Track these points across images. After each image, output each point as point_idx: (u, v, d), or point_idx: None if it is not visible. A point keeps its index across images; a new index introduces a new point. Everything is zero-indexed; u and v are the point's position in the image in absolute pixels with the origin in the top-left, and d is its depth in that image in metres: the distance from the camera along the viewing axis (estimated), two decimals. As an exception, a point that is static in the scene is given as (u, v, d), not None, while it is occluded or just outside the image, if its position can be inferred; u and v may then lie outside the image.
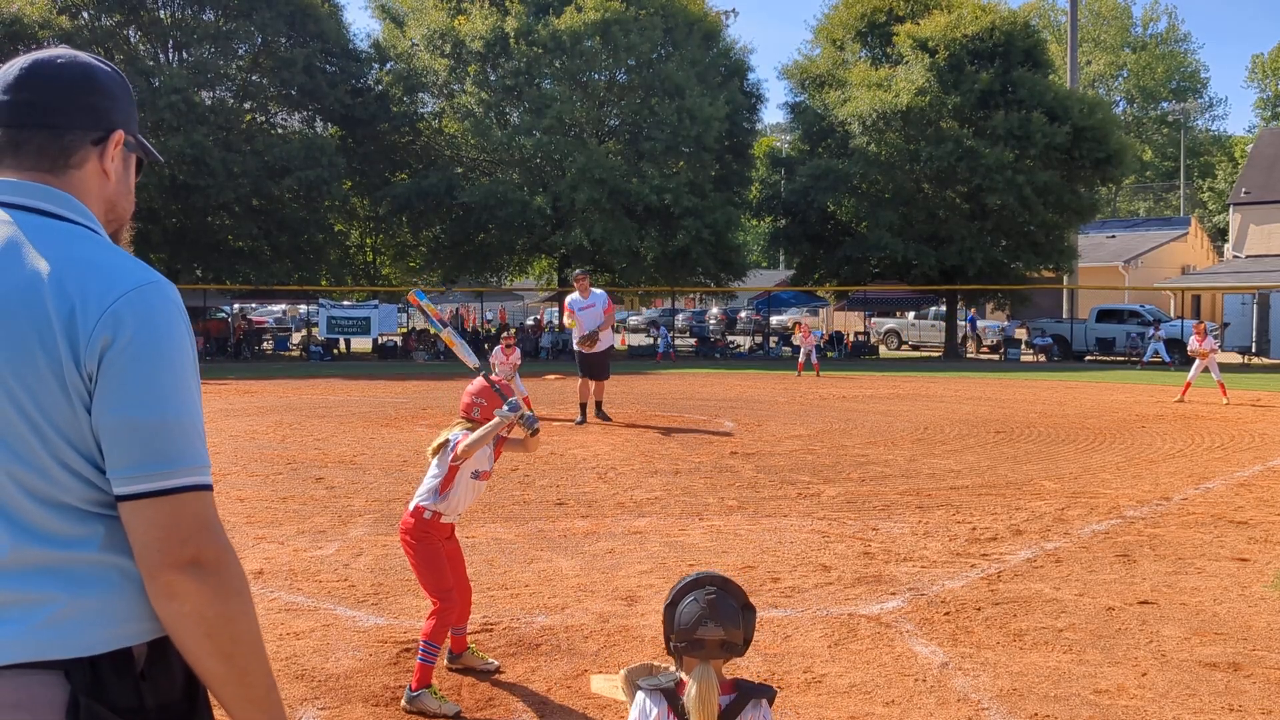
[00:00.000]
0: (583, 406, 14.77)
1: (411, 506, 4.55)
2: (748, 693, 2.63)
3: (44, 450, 1.53)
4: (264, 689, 1.59)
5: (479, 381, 4.66)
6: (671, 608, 2.69)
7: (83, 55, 1.73)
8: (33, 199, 1.63)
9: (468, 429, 4.58)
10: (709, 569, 3.14)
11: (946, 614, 5.52)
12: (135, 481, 1.52)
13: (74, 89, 1.68)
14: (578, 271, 14.87)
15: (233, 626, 1.55)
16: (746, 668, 4.71)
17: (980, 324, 42.12)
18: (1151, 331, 30.63)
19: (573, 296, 14.31)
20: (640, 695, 2.68)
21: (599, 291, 14.41)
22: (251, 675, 1.58)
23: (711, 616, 2.61)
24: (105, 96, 1.72)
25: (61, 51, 1.70)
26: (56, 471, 1.54)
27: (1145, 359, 30.08)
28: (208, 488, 1.58)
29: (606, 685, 3.94)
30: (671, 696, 2.60)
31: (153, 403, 1.54)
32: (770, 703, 2.66)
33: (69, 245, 1.59)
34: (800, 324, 30.51)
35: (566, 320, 14.38)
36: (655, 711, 2.62)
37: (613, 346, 15.13)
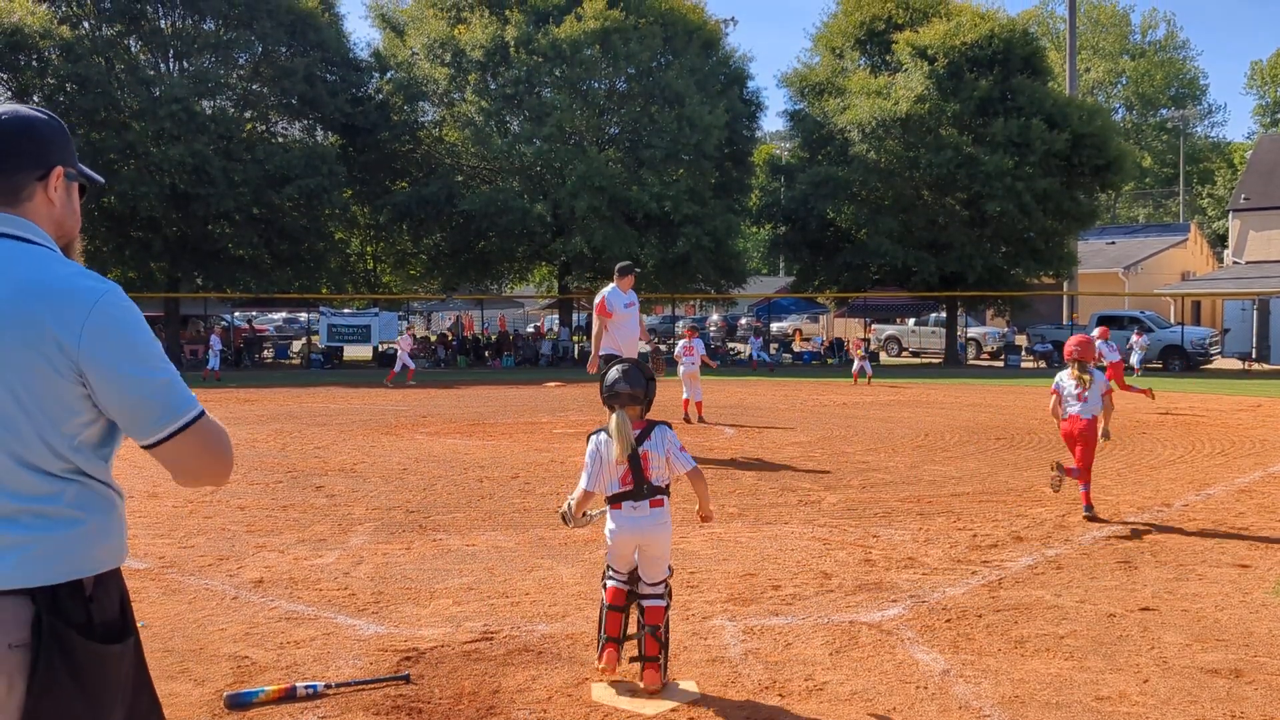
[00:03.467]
0: None
1: None
2: (652, 423, 4.58)
3: (30, 429, 2.00)
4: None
5: None
6: (603, 377, 4.70)
7: (24, 109, 2.14)
8: (2, 226, 2.08)
9: None
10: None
11: (948, 621, 5.51)
12: (162, 430, 2.04)
13: (18, 138, 2.10)
14: (625, 264, 11.72)
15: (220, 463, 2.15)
16: (748, 676, 4.71)
17: (981, 330, 42.07)
18: (1132, 338, 30.42)
19: (613, 290, 11.35)
20: (597, 434, 4.58)
21: (634, 292, 11.82)
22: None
23: (624, 379, 4.59)
24: (44, 142, 2.14)
25: (5, 108, 2.12)
26: (38, 445, 2.01)
27: (1136, 365, 29.86)
28: (204, 412, 2.10)
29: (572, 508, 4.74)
30: (607, 431, 4.50)
31: (149, 377, 2.04)
32: (671, 428, 4.61)
33: (41, 264, 2.04)
34: (855, 339, 30.57)
35: (598, 321, 11.36)
36: (606, 440, 4.52)
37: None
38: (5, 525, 1.99)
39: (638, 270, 11.60)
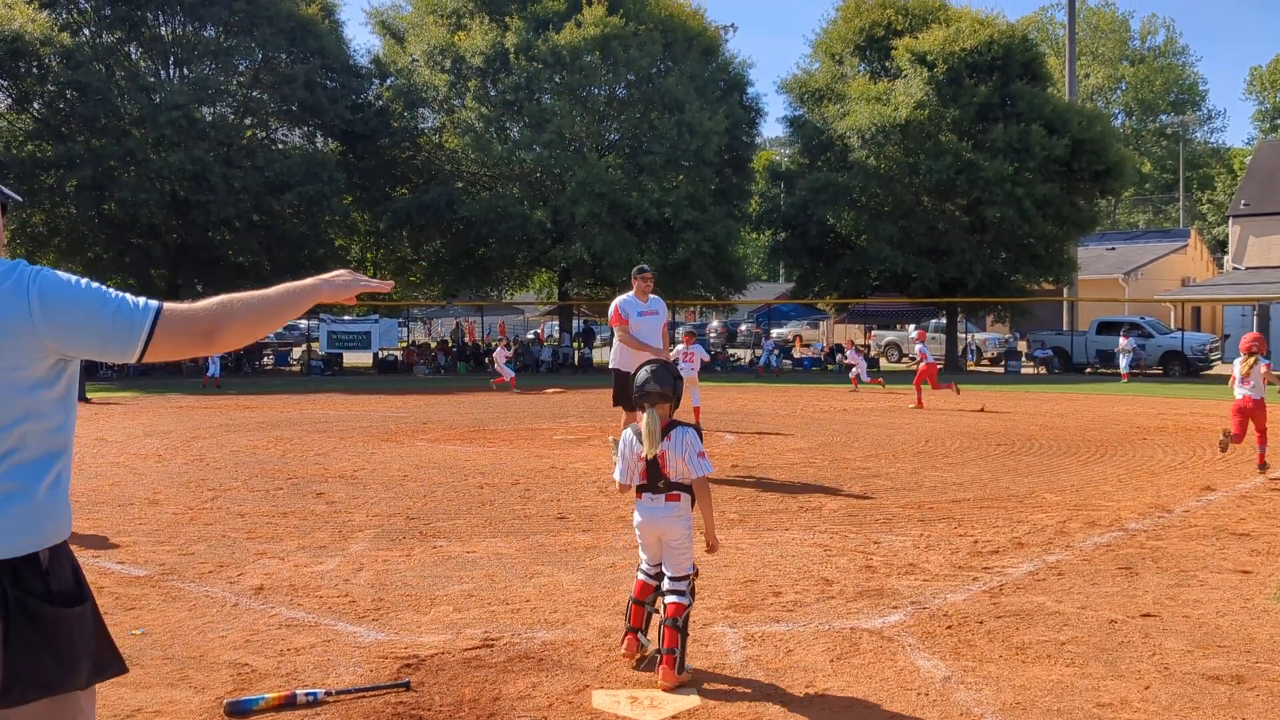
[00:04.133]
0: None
1: None
2: (673, 423, 4.80)
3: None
4: (291, 294, 2.51)
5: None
6: (633, 377, 4.95)
7: None
8: None
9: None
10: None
11: (949, 627, 5.51)
12: (137, 335, 2.27)
13: None
14: (640, 268, 10.71)
15: (256, 310, 2.42)
16: (749, 683, 4.71)
17: (980, 336, 42.07)
18: (1120, 342, 30.37)
19: (627, 297, 10.53)
20: (626, 431, 4.91)
21: (655, 297, 10.72)
22: (281, 299, 2.48)
23: (653, 378, 4.82)
24: None
25: None
26: None
27: (1124, 370, 29.81)
28: (161, 305, 2.31)
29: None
30: (635, 431, 4.81)
31: (101, 311, 2.25)
32: (698, 432, 4.85)
33: None
34: (848, 340, 30.53)
35: (618, 331, 10.56)
36: (631, 437, 4.83)
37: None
38: None
39: (647, 271, 10.54)
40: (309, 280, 2.56)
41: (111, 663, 2.38)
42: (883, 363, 39.94)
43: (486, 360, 38.22)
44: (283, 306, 2.47)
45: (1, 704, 2.19)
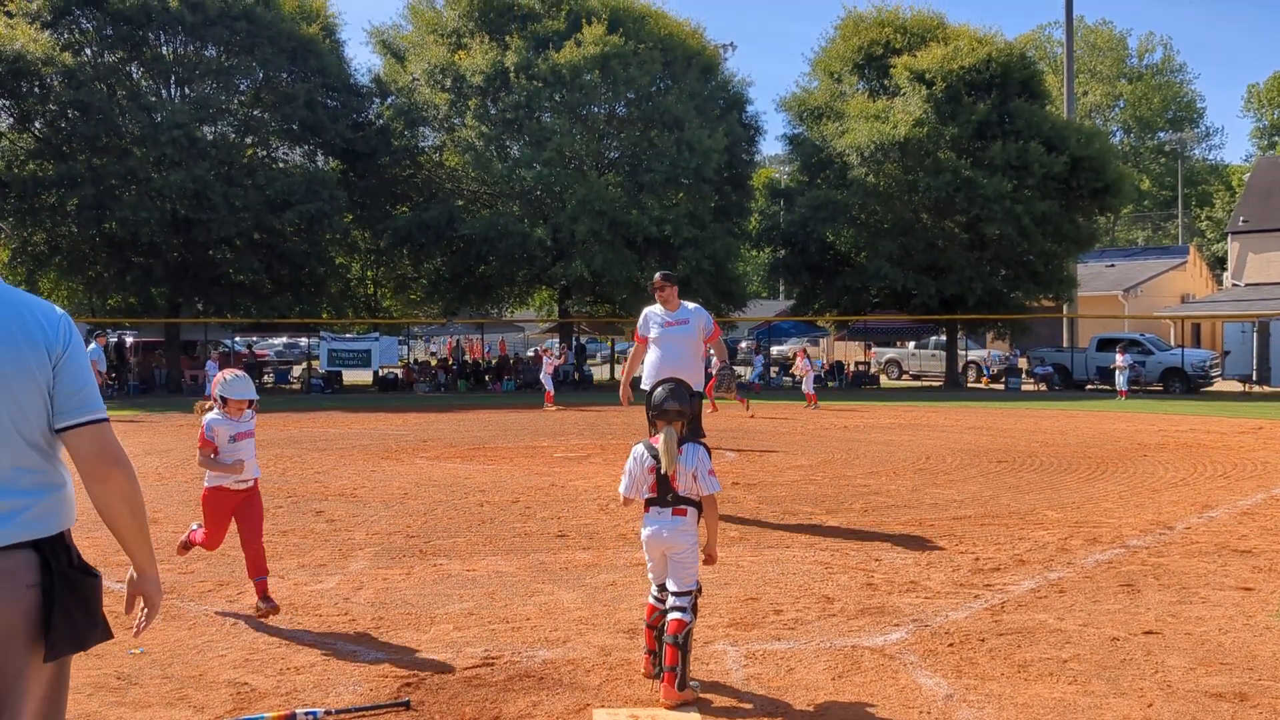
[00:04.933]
0: None
1: None
2: (686, 439, 4.90)
3: (34, 414, 2.65)
4: (148, 534, 2.82)
5: None
6: (649, 395, 5.14)
7: None
8: None
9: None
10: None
11: (950, 645, 5.49)
12: (83, 415, 2.70)
13: None
14: (660, 274, 9.03)
15: (136, 496, 2.76)
16: (750, 701, 4.69)
17: (981, 353, 42.09)
18: (1116, 359, 30.33)
19: (651, 309, 8.96)
20: (637, 446, 4.97)
21: (692, 305, 9.00)
22: (144, 526, 2.78)
23: (671, 396, 4.91)
24: None
25: None
26: (36, 427, 2.65)
27: (1121, 387, 29.77)
28: (108, 420, 2.77)
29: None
30: (649, 446, 4.90)
31: (84, 377, 2.74)
32: (707, 451, 4.93)
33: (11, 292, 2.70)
34: (803, 352, 30.41)
35: (637, 350, 9.19)
36: (642, 452, 4.91)
37: (701, 395, 9.09)
38: (11, 492, 2.59)
39: (659, 278, 8.92)
40: (154, 567, 2.88)
41: (107, 627, 2.76)
42: (883, 380, 39.97)
43: (486, 378, 38.28)
44: (142, 534, 2.80)
45: (49, 657, 2.60)
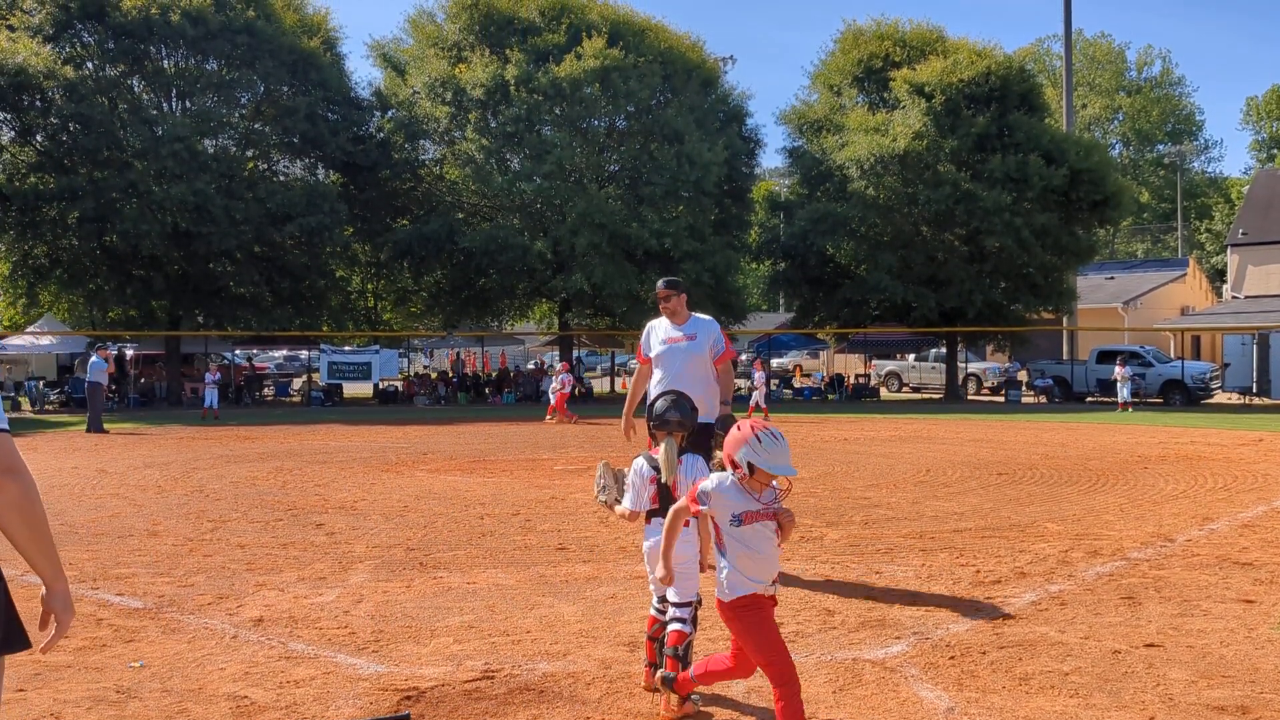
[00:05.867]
0: None
1: None
2: (685, 450, 4.94)
3: None
4: (52, 548, 2.70)
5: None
6: (651, 407, 5.09)
7: None
8: None
9: None
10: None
11: (951, 658, 5.48)
12: None
13: None
14: (662, 283, 7.19)
15: (34, 508, 2.62)
16: (752, 715, 4.68)
17: (981, 365, 42.09)
18: (1117, 371, 30.31)
19: (654, 321, 7.38)
20: (637, 459, 4.98)
21: (704, 318, 7.29)
22: (44, 539, 2.66)
23: (673, 408, 4.95)
24: None
25: None
26: None
27: (1124, 400, 29.76)
28: (9, 431, 2.64)
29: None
30: (649, 457, 4.94)
31: None
32: (703, 460, 4.98)
33: None
34: (759, 363, 30.27)
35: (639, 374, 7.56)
36: (643, 464, 4.93)
37: (715, 428, 6.94)
38: None
39: (663, 285, 7.15)
40: (62, 583, 2.76)
41: (21, 635, 2.67)
42: (883, 392, 39.95)
43: (487, 391, 38.28)
44: (41, 547, 2.66)
45: None
